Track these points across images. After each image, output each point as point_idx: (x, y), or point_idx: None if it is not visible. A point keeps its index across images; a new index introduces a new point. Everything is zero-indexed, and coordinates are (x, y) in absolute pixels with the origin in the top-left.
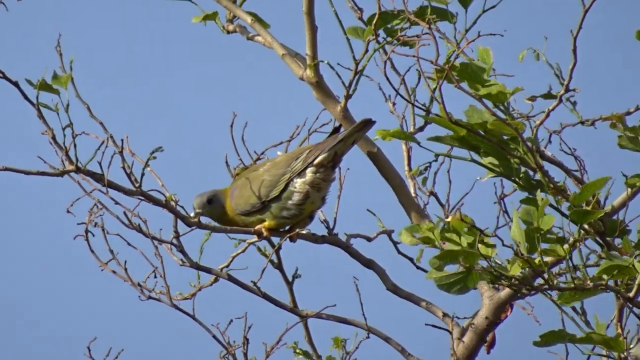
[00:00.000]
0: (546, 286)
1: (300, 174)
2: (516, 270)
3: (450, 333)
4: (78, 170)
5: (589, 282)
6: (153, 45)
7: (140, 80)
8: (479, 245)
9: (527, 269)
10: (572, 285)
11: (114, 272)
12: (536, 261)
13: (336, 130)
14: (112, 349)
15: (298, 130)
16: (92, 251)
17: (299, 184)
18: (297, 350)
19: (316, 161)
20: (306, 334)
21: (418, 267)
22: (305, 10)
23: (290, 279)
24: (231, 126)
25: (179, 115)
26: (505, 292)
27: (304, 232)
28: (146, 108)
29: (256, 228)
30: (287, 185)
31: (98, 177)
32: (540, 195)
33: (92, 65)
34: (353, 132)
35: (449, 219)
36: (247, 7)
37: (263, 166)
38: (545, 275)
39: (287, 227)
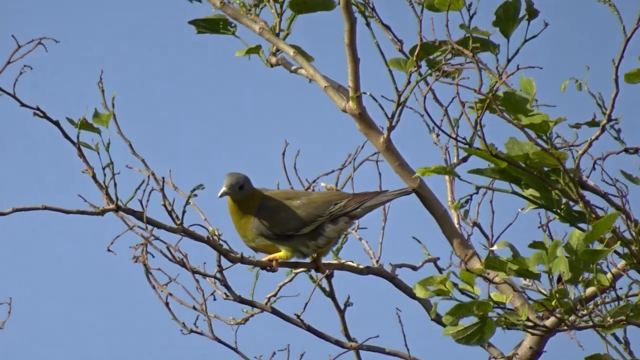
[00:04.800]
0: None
1: (334, 220)
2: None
3: None
4: (118, 208)
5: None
6: (196, 79)
7: (183, 113)
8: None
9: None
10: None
11: (170, 294)
12: (552, 303)
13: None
14: None
15: (350, 159)
16: (149, 274)
17: (330, 229)
18: None
19: (352, 213)
20: None
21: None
22: (347, 42)
23: (342, 307)
24: (283, 154)
25: (223, 147)
26: (549, 321)
27: (352, 263)
28: (189, 139)
29: (267, 259)
30: (317, 227)
31: (139, 215)
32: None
33: (133, 101)
34: (396, 196)
35: (494, 248)
36: (290, 40)
37: (297, 199)
38: (561, 315)
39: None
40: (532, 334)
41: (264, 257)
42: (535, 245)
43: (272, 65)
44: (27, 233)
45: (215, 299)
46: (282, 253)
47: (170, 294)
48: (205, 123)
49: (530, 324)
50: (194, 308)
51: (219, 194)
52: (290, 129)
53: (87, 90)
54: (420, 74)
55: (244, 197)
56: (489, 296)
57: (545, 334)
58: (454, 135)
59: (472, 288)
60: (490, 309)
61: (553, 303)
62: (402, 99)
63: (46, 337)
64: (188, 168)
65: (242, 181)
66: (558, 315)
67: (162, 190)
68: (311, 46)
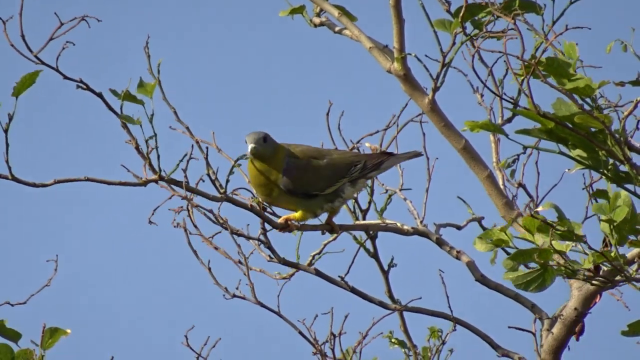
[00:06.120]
0: (621, 278)
1: (353, 182)
2: (589, 265)
3: (533, 334)
4: (161, 179)
5: None
6: (238, 40)
7: (226, 76)
8: (553, 241)
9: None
10: None
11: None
12: (612, 254)
13: (384, 153)
14: (210, 337)
15: (394, 120)
16: (189, 241)
17: (349, 191)
18: (393, 340)
19: (369, 174)
20: (402, 324)
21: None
22: (392, 3)
23: (385, 268)
24: (327, 114)
25: (266, 108)
26: (606, 272)
27: (399, 224)
28: (231, 101)
29: (283, 219)
30: (338, 188)
31: (182, 186)
32: (609, 189)
33: (177, 67)
34: (406, 158)
35: (539, 209)
36: (335, 1)
37: (322, 158)
38: (620, 266)
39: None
40: (592, 285)
41: (281, 218)
42: (599, 194)
43: (316, 26)
44: (69, 204)
45: (250, 269)
46: (298, 214)
47: (208, 268)
48: (247, 85)
49: (590, 274)
50: (239, 262)
51: (249, 151)
52: (335, 90)
53: (130, 67)
54: (465, 35)
55: (270, 152)
56: (550, 244)
57: (603, 286)
58: (499, 94)
59: (533, 236)
60: (551, 256)
61: (612, 254)
62: (446, 60)
63: (89, 302)
64: (230, 130)
65: (262, 134)
66: (616, 265)
67: (206, 159)
68: (355, 6)
